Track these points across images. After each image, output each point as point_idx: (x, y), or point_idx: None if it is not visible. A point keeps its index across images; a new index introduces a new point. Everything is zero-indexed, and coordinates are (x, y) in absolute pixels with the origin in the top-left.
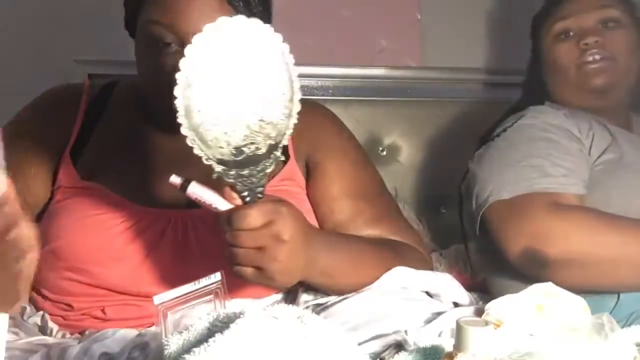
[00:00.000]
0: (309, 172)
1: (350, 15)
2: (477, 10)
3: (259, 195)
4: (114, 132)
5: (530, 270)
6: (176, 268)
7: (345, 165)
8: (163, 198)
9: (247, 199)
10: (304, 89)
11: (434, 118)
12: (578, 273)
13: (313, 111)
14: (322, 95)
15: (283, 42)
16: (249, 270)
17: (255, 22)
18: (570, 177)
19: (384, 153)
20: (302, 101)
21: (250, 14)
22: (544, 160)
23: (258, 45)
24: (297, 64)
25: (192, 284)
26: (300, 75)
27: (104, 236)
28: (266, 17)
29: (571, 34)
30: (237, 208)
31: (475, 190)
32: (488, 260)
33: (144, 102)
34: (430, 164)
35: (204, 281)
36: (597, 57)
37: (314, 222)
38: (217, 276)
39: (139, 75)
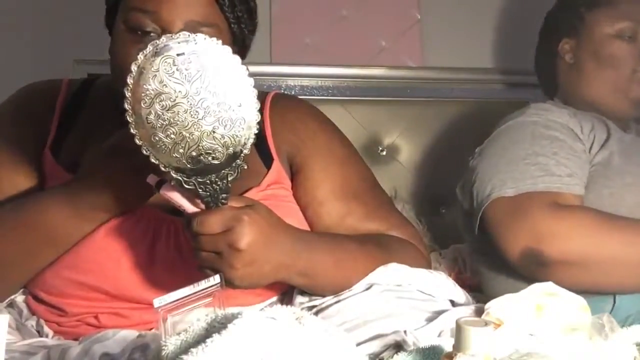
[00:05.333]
0: (293, 174)
1: (350, 15)
2: (476, 10)
3: (223, 202)
4: (95, 127)
5: (529, 270)
6: (171, 271)
7: (331, 164)
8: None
9: (211, 204)
10: (304, 89)
11: (434, 118)
12: (578, 273)
13: (292, 108)
14: (322, 95)
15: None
16: (210, 273)
17: (211, 39)
18: (574, 177)
19: (384, 153)
20: (280, 97)
21: (233, 13)
22: (549, 159)
23: (214, 59)
24: (297, 64)
25: (192, 286)
26: (300, 75)
27: (104, 234)
28: (248, 20)
29: (629, 37)
30: (198, 213)
31: (476, 186)
32: (483, 262)
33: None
34: (429, 164)
35: (202, 284)
36: None
37: (303, 223)
38: (216, 279)
39: (111, 69)
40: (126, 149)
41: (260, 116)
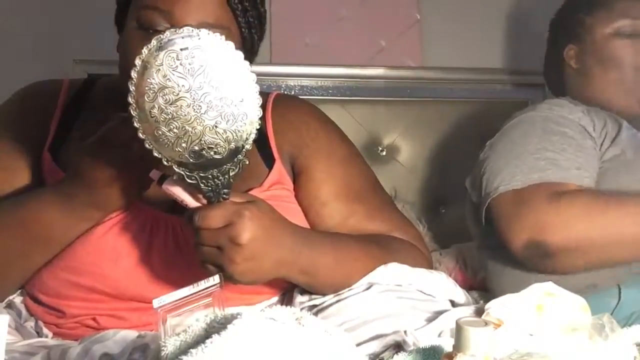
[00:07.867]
0: (295, 176)
1: (350, 15)
2: (476, 10)
3: (224, 197)
4: (96, 128)
5: (534, 262)
6: (169, 270)
7: (332, 165)
8: (149, 197)
9: (212, 199)
10: (304, 89)
11: (434, 118)
12: (581, 258)
13: (294, 108)
14: (322, 95)
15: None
16: (211, 268)
17: (214, 34)
18: (582, 170)
19: (384, 153)
20: (282, 98)
21: (244, 18)
22: (558, 155)
23: (217, 54)
24: (297, 64)
25: (191, 286)
26: (300, 75)
27: (101, 234)
28: (258, 26)
29: (628, 34)
30: (200, 207)
31: (485, 177)
32: (489, 256)
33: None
34: (429, 164)
35: (202, 284)
36: None
37: (304, 223)
38: (215, 279)
39: (119, 67)
40: (113, 143)
41: (262, 112)
